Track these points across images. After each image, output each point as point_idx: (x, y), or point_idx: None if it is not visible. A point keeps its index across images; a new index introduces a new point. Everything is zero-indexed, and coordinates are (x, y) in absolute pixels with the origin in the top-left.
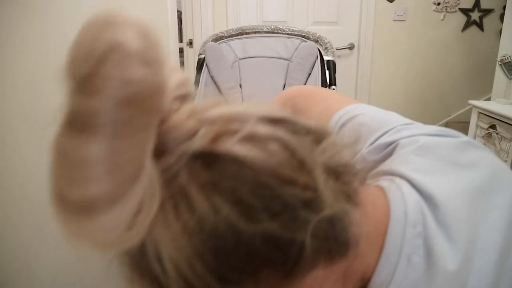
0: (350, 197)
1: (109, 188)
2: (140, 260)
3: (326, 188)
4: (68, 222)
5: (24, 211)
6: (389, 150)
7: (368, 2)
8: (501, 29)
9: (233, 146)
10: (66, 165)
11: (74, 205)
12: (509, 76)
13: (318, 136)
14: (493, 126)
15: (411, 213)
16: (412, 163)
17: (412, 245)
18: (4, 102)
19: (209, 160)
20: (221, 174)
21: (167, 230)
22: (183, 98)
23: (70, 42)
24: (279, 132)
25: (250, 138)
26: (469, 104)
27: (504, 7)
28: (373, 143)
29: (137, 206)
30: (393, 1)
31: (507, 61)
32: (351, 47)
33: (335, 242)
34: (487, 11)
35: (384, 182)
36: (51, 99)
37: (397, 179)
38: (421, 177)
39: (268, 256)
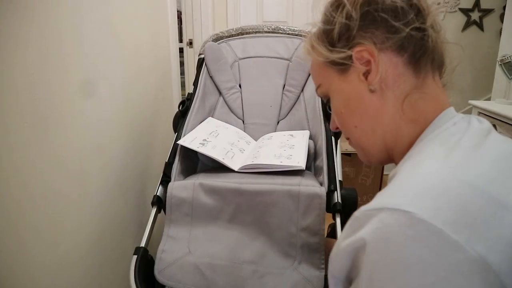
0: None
1: None
2: None
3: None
4: None
5: (23, 212)
6: None
7: None
8: (501, 29)
9: None
10: None
11: None
12: (509, 76)
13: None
14: (493, 126)
15: (461, 119)
16: None
17: (454, 122)
18: (4, 102)
19: None
20: None
21: None
22: None
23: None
24: None
25: None
26: (469, 104)
27: (504, 7)
28: None
29: None
30: None
31: (507, 61)
32: None
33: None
34: (487, 11)
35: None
36: (51, 99)
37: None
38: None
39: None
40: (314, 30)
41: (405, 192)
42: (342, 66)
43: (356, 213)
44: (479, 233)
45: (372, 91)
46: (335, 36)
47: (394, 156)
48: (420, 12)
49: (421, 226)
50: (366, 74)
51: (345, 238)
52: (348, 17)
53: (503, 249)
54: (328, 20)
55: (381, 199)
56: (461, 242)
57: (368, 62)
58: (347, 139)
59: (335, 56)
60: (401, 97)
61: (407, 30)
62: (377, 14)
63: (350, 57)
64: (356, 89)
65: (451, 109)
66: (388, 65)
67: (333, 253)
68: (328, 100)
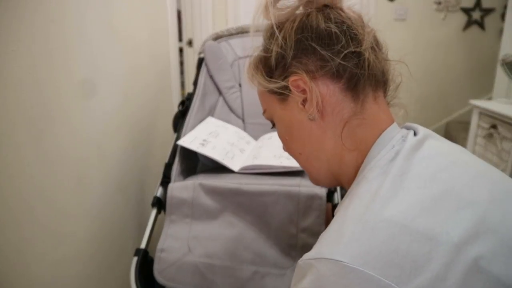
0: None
1: None
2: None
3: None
4: None
5: (23, 211)
6: None
7: (368, 2)
8: (502, 29)
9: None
10: None
11: None
12: (510, 76)
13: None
14: (494, 126)
15: (400, 138)
16: None
17: (392, 145)
18: (4, 102)
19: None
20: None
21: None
22: None
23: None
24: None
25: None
26: (470, 104)
27: (506, 7)
28: None
29: None
30: (393, 1)
31: (508, 60)
32: None
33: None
34: (488, 11)
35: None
36: (50, 99)
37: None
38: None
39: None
40: (255, 55)
41: (338, 239)
42: (281, 95)
43: (300, 262)
44: (409, 272)
45: (311, 120)
46: (272, 65)
47: (342, 182)
48: (354, 36)
49: (353, 274)
50: (304, 103)
51: (293, 286)
52: (282, 45)
53: (431, 284)
54: (265, 48)
55: (319, 247)
56: (393, 285)
57: (304, 91)
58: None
59: (273, 86)
60: (340, 125)
61: (339, 58)
62: (308, 43)
63: (287, 86)
64: (297, 117)
65: (390, 129)
66: (325, 92)
67: None
68: (274, 125)
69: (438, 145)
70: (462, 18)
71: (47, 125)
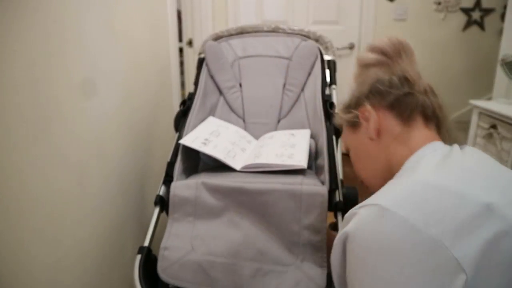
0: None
1: None
2: None
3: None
4: None
5: (23, 212)
6: None
7: (368, 2)
8: (502, 29)
9: None
10: None
11: None
12: (510, 76)
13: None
14: (494, 126)
15: (443, 146)
16: None
17: (435, 148)
18: (3, 102)
19: None
20: None
21: None
22: None
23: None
24: None
25: None
26: (470, 104)
27: (505, 7)
28: None
29: None
30: (393, 1)
31: (508, 60)
32: (351, 46)
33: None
34: (488, 11)
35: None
36: (50, 99)
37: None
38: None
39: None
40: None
41: (382, 193)
42: (354, 124)
43: (346, 214)
44: (435, 219)
45: (372, 139)
46: (351, 104)
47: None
48: (407, 82)
49: (386, 214)
50: (367, 127)
51: (337, 235)
52: (359, 94)
53: (454, 228)
54: (348, 97)
55: (364, 201)
56: (419, 226)
57: (368, 118)
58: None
59: (347, 116)
60: (391, 139)
61: (394, 96)
62: (379, 86)
63: (357, 116)
64: (362, 139)
65: (437, 142)
66: (382, 119)
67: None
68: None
69: (476, 151)
70: (461, 18)
71: (47, 125)
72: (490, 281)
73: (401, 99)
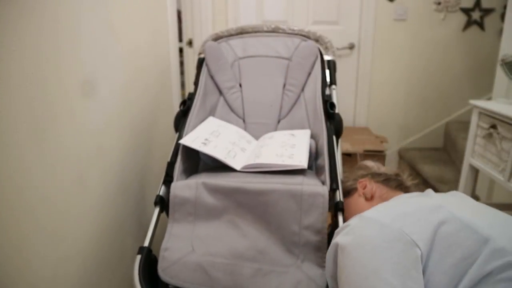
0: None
1: None
2: None
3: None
4: None
5: (24, 211)
6: None
7: (368, 2)
8: (502, 29)
9: None
10: None
11: None
12: (510, 76)
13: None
14: (494, 126)
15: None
16: None
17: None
18: (5, 102)
19: None
20: None
21: None
22: None
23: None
24: None
25: None
26: (470, 104)
27: (505, 7)
28: None
29: None
30: (393, 1)
31: (508, 60)
32: (351, 46)
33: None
34: (488, 11)
35: None
36: (51, 99)
37: None
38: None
39: None
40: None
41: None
42: (350, 192)
43: (337, 229)
44: (399, 217)
45: (366, 199)
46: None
47: None
48: (396, 177)
49: (364, 218)
50: (363, 193)
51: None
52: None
53: (411, 221)
54: (345, 180)
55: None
56: (387, 223)
57: (365, 186)
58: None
59: (348, 185)
60: (378, 197)
61: (383, 178)
62: (370, 175)
63: (356, 188)
64: (356, 200)
65: (409, 194)
66: (375, 188)
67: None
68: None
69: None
70: (461, 18)
71: (48, 125)
72: (443, 259)
73: (390, 181)
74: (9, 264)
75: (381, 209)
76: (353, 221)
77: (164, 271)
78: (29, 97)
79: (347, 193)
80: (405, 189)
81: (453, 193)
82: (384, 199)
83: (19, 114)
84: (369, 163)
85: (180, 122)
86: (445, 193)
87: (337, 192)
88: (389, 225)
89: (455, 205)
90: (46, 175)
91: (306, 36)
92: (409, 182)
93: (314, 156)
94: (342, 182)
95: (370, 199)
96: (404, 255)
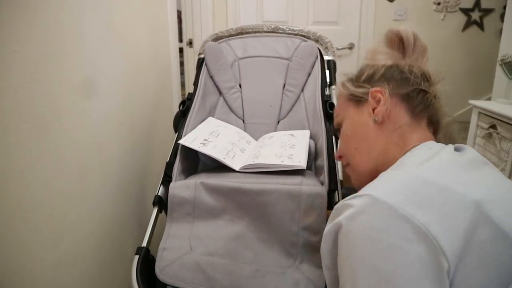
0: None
1: None
2: None
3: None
4: None
5: (24, 212)
6: None
7: (368, 2)
8: (501, 29)
9: None
10: None
11: None
12: (509, 76)
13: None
14: (493, 126)
15: (439, 145)
16: None
17: (429, 146)
18: (4, 102)
19: None
20: None
21: None
22: None
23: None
24: None
25: None
26: (470, 104)
27: (505, 7)
28: None
29: None
30: (393, 1)
31: (507, 61)
32: (351, 46)
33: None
34: (488, 11)
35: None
36: (51, 99)
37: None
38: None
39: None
40: (347, 77)
41: (374, 184)
42: (359, 100)
43: (337, 205)
44: (423, 209)
45: (375, 122)
46: (362, 78)
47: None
48: (427, 80)
49: (377, 203)
50: (374, 109)
51: (327, 226)
52: (374, 69)
53: (439, 218)
54: (361, 71)
55: (356, 193)
56: (408, 215)
57: (379, 101)
58: (344, 166)
59: (357, 90)
60: (394, 129)
61: (410, 88)
62: (393, 74)
63: (367, 93)
64: (365, 119)
65: (430, 142)
66: (393, 107)
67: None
68: (338, 128)
69: (473, 153)
70: (461, 19)
71: (47, 125)
72: (472, 276)
73: (418, 94)
74: (9, 264)
75: (397, 183)
76: (360, 202)
77: (161, 271)
78: (30, 96)
79: (355, 100)
80: (429, 119)
81: (481, 161)
82: (399, 134)
83: (21, 113)
84: (406, 33)
85: (180, 122)
86: (475, 158)
87: (336, 193)
88: (410, 219)
89: (491, 195)
90: (46, 176)
91: (306, 36)
92: (437, 102)
93: (313, 156)
94: (361, 70)
95: (381, 123)
96: (426, 263)
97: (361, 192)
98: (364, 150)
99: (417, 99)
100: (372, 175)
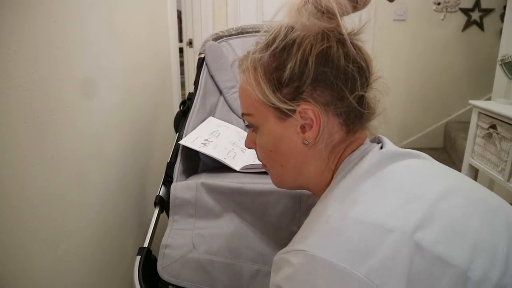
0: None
1: None
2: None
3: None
4: None
5: (23, 212)
6: None
7: None
8: (501, 29)
9: None
10: None
11: None
12: (509, 76)
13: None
14: (493, 126)
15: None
16: None
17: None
18: (4, 102)
19: None
20: None
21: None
22: None
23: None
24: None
25: None
26: (470, 104)
27: (505, 7)
28: None
29: None
30: (393, 1)
31: (507, 61)
32: None
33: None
34: (488, 11)
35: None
36: (50, 99)
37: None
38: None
39: None
40: (263, 56)
41: (306, 234)
42: (282, 114)
43: (275, 258)
44: (361, 257)
45: (305, 144)
46: (284, 80)
47: (312, 190)
48: (366, 80)
49: (314, 261)
50: (303, 128)
51: (271, 277)
52: (301, 66)
53: (382, 265)
54: (278, 57)
55: (292, 243)
56: (347, 269)
57: (310, 120)
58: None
59: (280, 104)
60: (328, 149)
61: (351, 99)
62: (329, 78)
63: (294, 111)
64: (290, 137)
65: (362, 147)
66: (326, 125)
67: None
68: (254, 128)
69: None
70: (461, 19)
71: (47, 125)
72: None
73: (353, 103)
74: (10, 264)
75: (329, 230)
76: (297, 260)
77: (164, 269)
78: (30, 96)
79: (277, 110)
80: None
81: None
82: (331, 151)
83: (20, 113)
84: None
85: (180, 122)
86: (422, 168)
87: None
88: (350, 272)
89: (418, 216)
90: (47, 175)
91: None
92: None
93: None
94: (283, 59)
95: (313, 144)
96: None
97: (296, 246)
98: (291, 169)
99: (353, 111)
100: (296, 187)
